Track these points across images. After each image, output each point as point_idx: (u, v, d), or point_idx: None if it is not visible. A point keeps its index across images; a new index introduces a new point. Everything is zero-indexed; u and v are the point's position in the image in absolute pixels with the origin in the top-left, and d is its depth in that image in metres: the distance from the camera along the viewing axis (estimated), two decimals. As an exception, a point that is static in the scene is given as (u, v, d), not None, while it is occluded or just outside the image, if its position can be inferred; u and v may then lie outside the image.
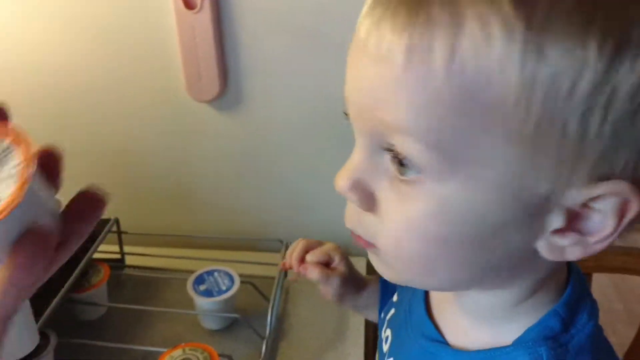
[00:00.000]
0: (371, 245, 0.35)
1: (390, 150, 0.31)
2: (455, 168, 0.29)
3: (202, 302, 0.75)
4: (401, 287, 0.51)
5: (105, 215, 0.81)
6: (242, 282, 0.77)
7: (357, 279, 0.62)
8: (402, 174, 0.31)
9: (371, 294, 0.62)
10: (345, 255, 0.61)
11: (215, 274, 0.78)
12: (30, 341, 0.56)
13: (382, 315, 0.54)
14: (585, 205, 0.30)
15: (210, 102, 0.88)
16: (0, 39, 0.87)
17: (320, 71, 0.84)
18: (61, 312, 0.70)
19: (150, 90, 0.89)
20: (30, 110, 0.90)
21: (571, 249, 0.31)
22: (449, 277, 0.34)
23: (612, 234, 0.30)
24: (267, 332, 0.72)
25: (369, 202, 0.33)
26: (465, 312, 0.40)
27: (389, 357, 0.48)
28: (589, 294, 0.39)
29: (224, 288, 0.76)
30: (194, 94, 0.87)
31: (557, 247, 0.31)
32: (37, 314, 0.63)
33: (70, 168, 0.88)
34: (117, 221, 0.85)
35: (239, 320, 0.76)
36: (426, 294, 0.45)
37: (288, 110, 0.89)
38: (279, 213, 0.98)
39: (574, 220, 0.30)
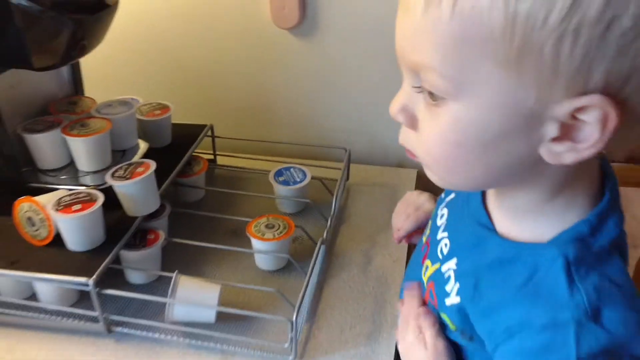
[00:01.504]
0: (415, 156, 0.45)
1: (422, 82, 0.40)
2: (464, 90, 0.37)
3: (281, 189, 0.93)
4: None
5: (203, 122, 1.01)
6: (312, 178, 0.95)
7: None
8: (431, 99, 0.40)
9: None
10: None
11: (292, 169, 0.96)
12: (154, 203, 0.77)
13: (443, 195, 0.61)
14: (573, 117, 0.36)
15: (290, 29, 1.04)
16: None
17: (385, 12, 0.99)
18: (169, 195, 0.90)
19: (241, 18, 1.06)
20: (138, 34, 1.10)
21: (567, 154, 0.38)
22: (468, 176, 0.43)
23: (598, 141, 0.36)
24: (332, 213, 0.89)
25: (413, 122, 0.43)
26: (507, 208, 0.47)
27: (443, 231, 0.56)
28: (619, 206, 0.44)
29: (298, 180, 0.94)
30: (278, 22, 1.03)
31: (555, 152, 0.38)
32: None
33: (174, 84, 1.15)
34: (211, 127, 1.03)
35: (309, 205, 0.94)
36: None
37: (357, 40, 1.04)
38: (345, 126, 1.15)
39: (567, 131, 0.37)
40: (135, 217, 0.78)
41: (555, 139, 0.38)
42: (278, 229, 0.82)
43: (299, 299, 0.70)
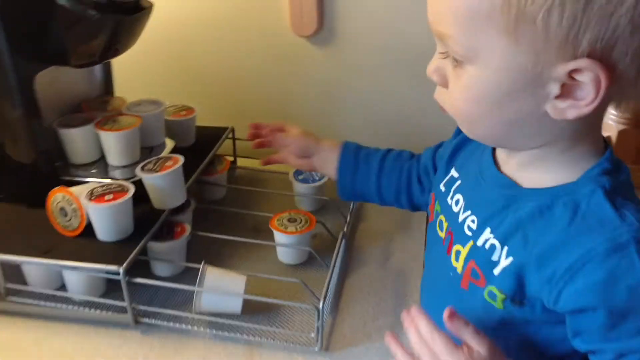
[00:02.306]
0: (445, 111, 0.52)
1: (447, 48, 0.47)
2: (477, 55, 0.45)
3: (300, 187, 0.95)
4: (462, 162, 0.65)
5: (224, 124, 1.04)
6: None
7: (312, 139, 0.82)
8: (455, 62, 0.48)
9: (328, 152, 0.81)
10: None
11: (311, 169, 0.99)
12: (181, 196, 0.80)
13: (444, 189, 0.65)
14: (571, 78, 0.43)
15: (308, 37, 1.08)
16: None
17: (402, 21, 1.02)
18: (193, 192, 0.92)
19: (261, 26, 1.10)
20: (165, 40, 1.13)
21: (569, 110, 0.45)
22: (487, 129, 0.50)
23: (594, 99, 0.43)
24: (350, 209, 0.92)
25: (444, 81, 0.50)
26: (526, 166, 0.52)
27: (464, 211, 0.58)
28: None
29: (317, 178, 0.96)
30: (296, 30, 1.07)
31: (559, 109, 0.45)
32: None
33: (197, 88, 1.18)
34: (232, 130, 1.06)
35: (328, 203, 0.96)
36: (494, 158, 0.57)
37: (374, 47, 1.08)
38: (359, 129, 1.18)
39: (567, 90, 0.44)
40: (162, 210, 0.81)
41: (558, 97, 0.44)
42: (300, 222, 0.84)
43: (324, 287, 0.72)
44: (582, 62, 0.41)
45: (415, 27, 1.01)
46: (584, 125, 0.48)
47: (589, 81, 0.42)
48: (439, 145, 0.76)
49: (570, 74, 0.42)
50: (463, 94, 0.48)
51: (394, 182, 0.79)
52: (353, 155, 0.81)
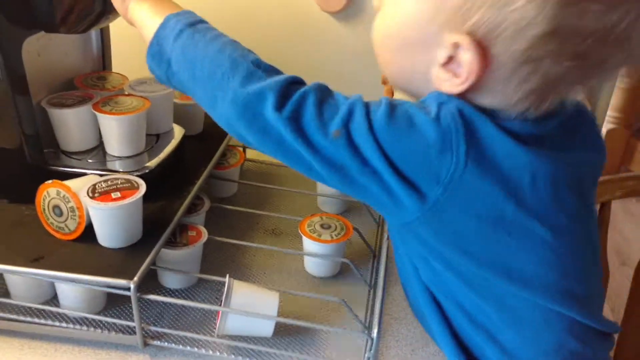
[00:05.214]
0: None
1: None
2: (386, 4, 0.49)
3: (326, 187, 0.83)
4: None
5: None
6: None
7: None
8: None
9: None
10: None
11: (336, 165, 0.87)
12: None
13: None
14: (455, 51, 0.44)
15: (335, 13, 0.99)
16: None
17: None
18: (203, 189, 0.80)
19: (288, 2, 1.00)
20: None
21: (445, 83, 0.46)
22: (391, 71, 0.52)
23: (465, 81, 0.44)
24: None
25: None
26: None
27: None
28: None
29: (345, 177, 0.85)
30: (323, 5, 0.97)
31: (439, 78, 0.46)
32: (190, 182, 0.74)
33: None
34: (242, 117, 0.94)
35: (353, 203, 0.85)
36: None
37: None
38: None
39: (450, 63, 0.45)
40: (175, 211, 0.68)
41: (443, 66, 0.46)
42: (335, 230, 0.73)
43: (371, 310, 0.62)
44: (464, 39, 0.43)
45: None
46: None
47: (466, 61, 0.44)
48: None
49: (454, 47, 0.44)
50: (376, 31, 0.51)
51: None
52: None
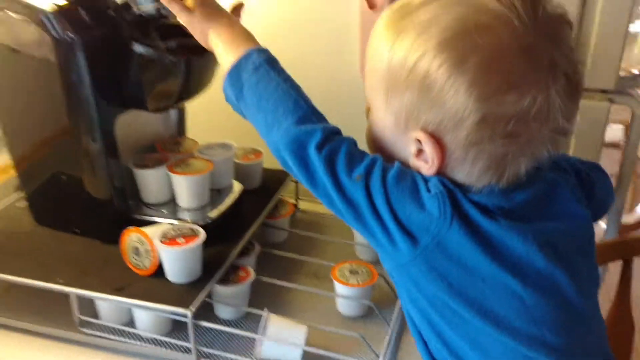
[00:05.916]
0: None
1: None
2: (372, 104, 0.59)
3: (361, 236, 0.96)
4: None
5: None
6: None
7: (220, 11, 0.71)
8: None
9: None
10: None
11: (372, 218, 1.00)
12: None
13: None
14: (420, 144, 0.54)
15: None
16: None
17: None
18: (255, 235, 0.94)
19: (331, 70, 1.12)
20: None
21: (422, 169, 0.56)
22: (386, 159, 0.58)
23: (432, 165, 0.55)
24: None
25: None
26: None
27: None
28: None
29: (379, 228, 0.97)
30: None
31: (416, 166, 0.57)
32: (245, 230, 0.89)
33: None
34: (296, 172, 1.08)
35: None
36: None
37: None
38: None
39: (421, 154, 0.55)
40: (229, 254, 0.83)
41: (416, 157, 0.56)
42: (361, 275, 0.85)
43: (384, 344, 0.72)
44: (422, 135, 0.54)
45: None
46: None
47: (429, 151, 0.54)
48: None
49: (417, 142, 0.55)
50: (367, 132, 0.62)
51: None
52: None
